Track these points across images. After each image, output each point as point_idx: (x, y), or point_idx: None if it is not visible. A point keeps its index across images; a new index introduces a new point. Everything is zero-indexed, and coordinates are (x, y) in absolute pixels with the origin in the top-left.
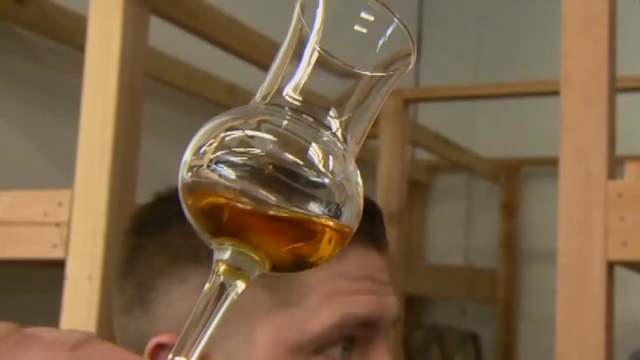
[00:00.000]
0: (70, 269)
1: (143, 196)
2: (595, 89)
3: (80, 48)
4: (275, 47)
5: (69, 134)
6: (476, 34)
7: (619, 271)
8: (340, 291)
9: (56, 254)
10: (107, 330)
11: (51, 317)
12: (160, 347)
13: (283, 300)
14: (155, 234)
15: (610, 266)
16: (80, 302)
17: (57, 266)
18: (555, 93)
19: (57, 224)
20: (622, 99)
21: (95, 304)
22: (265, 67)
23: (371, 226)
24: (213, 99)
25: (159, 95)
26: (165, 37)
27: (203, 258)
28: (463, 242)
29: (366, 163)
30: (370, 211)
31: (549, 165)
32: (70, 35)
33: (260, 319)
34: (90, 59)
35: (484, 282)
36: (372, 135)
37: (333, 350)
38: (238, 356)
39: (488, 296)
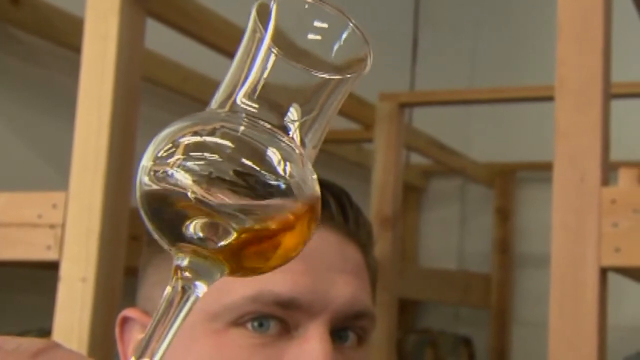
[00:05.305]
0: (64, 271)
1: None
2: (590, 95)
3: (76, 49)
4: None
5: (64, 135)
6: (472, 39)
7: (612, 277)
8: None
9: (50, 255)
10: (100, 331)
11: (45, 318)
12: (126, 320)
13: None
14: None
15: (604, 272)
16: (74, 304)
17: (51, 268)
18: (550, 98)
19: (52, 226)
20: (616, 104)
21: (89, 305)
22: None
23: (325, 202)
24: (209, 101)
25: (155, 98)
26: (161, 39)
27: None
28: (457, 247)
29: (361, 167)
30: (334, 192)
31: (543, 170)
32: (66, 36)
33: None
34: (86, 60)
35: (477, 286)
36: (367, 139)
37: (251, 324)
38: None
39: (482, 301)
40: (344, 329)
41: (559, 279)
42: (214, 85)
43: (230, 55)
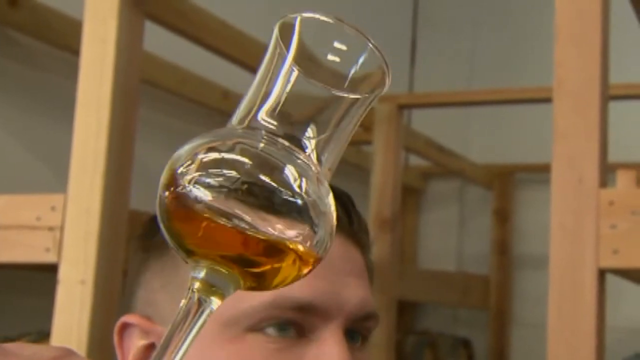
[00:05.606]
0: (63, 273)
1: (136, 201)
2: (588, 97)
3: (75, 52)
4: None
5: (62, 138)
6: (470, 40)
7: (610, 278)
8: None
9: (49, 258)
10: (99, 334)
11: (44, 321)
12: (125, 326)
13: None
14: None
15: (602, 273)
16: (73, 306)
17: (50, 270)
18: (549, 100)
19: (50, 228)
20: (614, 106)
21: (87, 308)
22: None
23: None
24: (207, 103)
25: (154, 100)
26: (160, 41)
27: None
28: (456, 248)
29: (360, 169)
30: (338, 196)
31: (542, 171)
32: (65, 39)
33: None
34: (85, 63)
35: (476, 288)
36: (366, 141)
37: (269, 329)
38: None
39: (480, 302)
40: (353, 330)
41: (558, 281)
42: (212, 87)
43: (228, 57)
